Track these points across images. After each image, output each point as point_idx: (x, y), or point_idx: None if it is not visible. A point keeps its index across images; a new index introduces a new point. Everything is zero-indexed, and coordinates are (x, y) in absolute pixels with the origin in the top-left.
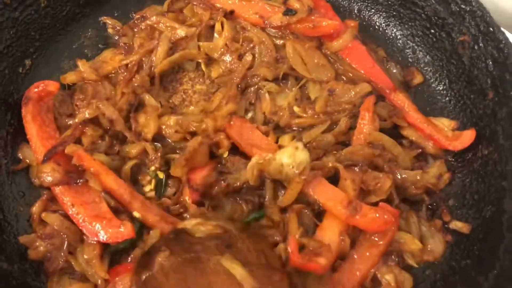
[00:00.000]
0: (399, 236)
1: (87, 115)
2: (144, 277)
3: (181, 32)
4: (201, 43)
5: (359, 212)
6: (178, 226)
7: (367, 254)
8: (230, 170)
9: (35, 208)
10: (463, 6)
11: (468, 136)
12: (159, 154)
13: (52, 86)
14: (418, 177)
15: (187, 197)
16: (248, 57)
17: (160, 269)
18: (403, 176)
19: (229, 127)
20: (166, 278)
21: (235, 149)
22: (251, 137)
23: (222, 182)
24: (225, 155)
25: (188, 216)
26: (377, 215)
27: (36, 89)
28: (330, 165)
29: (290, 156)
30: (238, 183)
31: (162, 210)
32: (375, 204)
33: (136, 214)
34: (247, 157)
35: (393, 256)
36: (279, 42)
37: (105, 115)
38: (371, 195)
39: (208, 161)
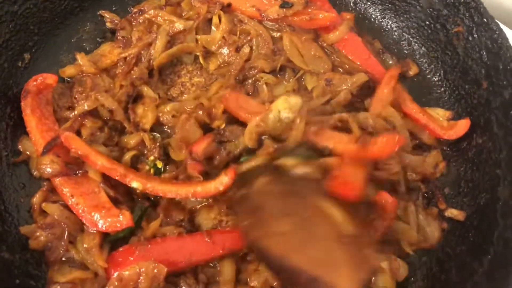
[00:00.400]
0: (397, 226)
1: (86, 107)
2: (241, 194)
3: (179, 25)
4: (199, 36)
5: (369, 142)
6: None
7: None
8: (229, 139)
9: (36, 199)
10: None
11: (462, 126)
12: (157, 144)
13: (50, 79)
14: (420, 162)
15: (192, 170)
16: (246, 49)
17: (259, 191)
18: (406, 160)
19: (226, 100)
20: (262, 201)
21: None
22: (248, 105)
23: (223, 150)
24: (222, 126)
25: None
26: (385, 139)
27: (34, 82)
28: (337, 117)
29: (284, 104)
30: (238, 150)
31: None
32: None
33: (134, 184)
34: (244, 126)
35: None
36: (276, 34)
37: (104, 106)
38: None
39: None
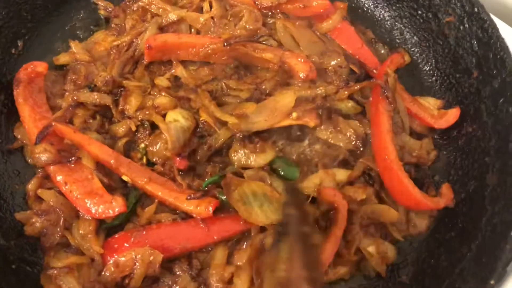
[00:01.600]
0: (376, 208)
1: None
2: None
3: (172, 16)
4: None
5: None
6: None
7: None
8: (209, 132)
9: (31, 186)
10: None
11: (453, 115)
12: (147, 131)
13: (40, 67)
14: (417, 146)
15: (176, 165)
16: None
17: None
18: (404, 140)
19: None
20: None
21: None
22: None
23: (204, 146)
24: (202, 118)
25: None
26: None
27: (25, 71)
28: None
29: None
30: (218, 143)
31: (150, 171)
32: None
33: (124, 178)
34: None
35: (376, 229)
36: (270, 21)
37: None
38: None
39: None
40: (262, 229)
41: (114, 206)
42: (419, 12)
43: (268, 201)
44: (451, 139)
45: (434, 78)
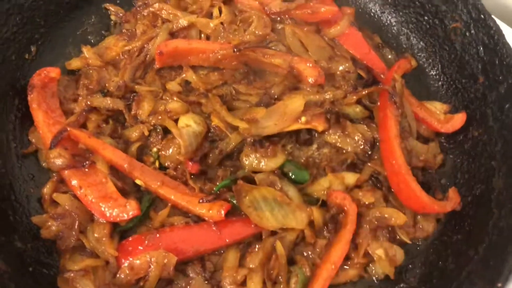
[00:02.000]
0: (385, 211)
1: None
2: None
3: (183, 21)
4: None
5: None
6: None
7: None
8: (220, 137)
9: (46, 190)
10: None
11: (459, 119)
12: (159, 136)
13: (53, 72)
14: (425, 150)
15: (188, 169)
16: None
17: None
18: (412, 144)
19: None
20: None
21: None
22: None
23: (216, 150)
24: (213, 122)
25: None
26: None
27: (39, 77)
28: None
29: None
30: (230, 148)
31: (163, 175)
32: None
33: (138, 181)
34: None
35: (384, 232)
36: (279, 26)
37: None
38: None
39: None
40: (273, 232)
41: (128, 210)
42: (426, 17)
43: (278, 205)
44: (458, 143)
45: (440, 83)
